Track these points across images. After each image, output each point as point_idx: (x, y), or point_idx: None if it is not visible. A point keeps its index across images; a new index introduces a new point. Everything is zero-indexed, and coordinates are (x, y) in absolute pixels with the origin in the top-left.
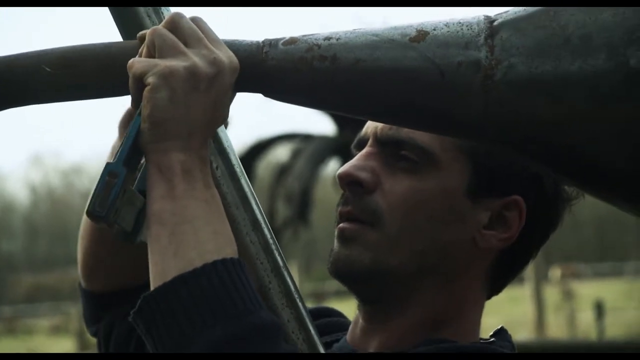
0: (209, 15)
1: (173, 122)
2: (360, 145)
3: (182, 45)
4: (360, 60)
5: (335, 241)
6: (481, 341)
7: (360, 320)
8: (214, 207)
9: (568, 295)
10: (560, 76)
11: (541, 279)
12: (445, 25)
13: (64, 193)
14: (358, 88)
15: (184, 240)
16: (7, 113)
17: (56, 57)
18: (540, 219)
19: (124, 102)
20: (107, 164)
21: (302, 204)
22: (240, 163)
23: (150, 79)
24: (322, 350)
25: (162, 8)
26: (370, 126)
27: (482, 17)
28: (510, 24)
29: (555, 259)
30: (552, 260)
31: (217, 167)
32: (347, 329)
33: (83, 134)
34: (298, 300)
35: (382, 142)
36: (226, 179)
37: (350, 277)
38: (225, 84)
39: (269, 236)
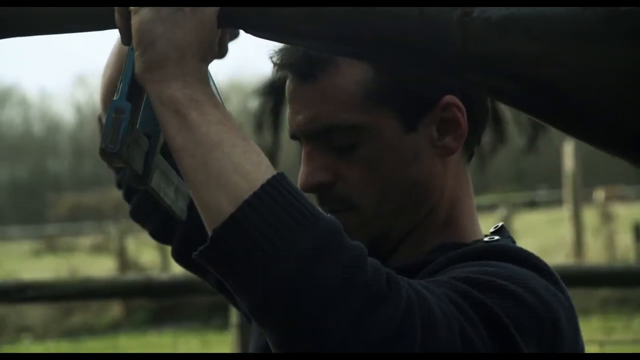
0: None
1: (161, 43)
2: (293, 137)
3: None
4: None
5: None
6: (486, 239)
7: None
8: (230, 126)
9: (607, 218)
10: (537, 13)
11: (580, 201)
12: None
13: None
14: (338, 26)
15: (221, 168)
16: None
17: None
18: (473, 94)
19: None
20: (112, 101)
21: None
22: (218, 89)
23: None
24: None
25: None
26: (294, 124)
27: None
28: None
29: (597, 182)
30: (592, 182)
31: None
32: None
33: None
34: None
35: (310, 137)
36: None
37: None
38: (210, 7)
39: None
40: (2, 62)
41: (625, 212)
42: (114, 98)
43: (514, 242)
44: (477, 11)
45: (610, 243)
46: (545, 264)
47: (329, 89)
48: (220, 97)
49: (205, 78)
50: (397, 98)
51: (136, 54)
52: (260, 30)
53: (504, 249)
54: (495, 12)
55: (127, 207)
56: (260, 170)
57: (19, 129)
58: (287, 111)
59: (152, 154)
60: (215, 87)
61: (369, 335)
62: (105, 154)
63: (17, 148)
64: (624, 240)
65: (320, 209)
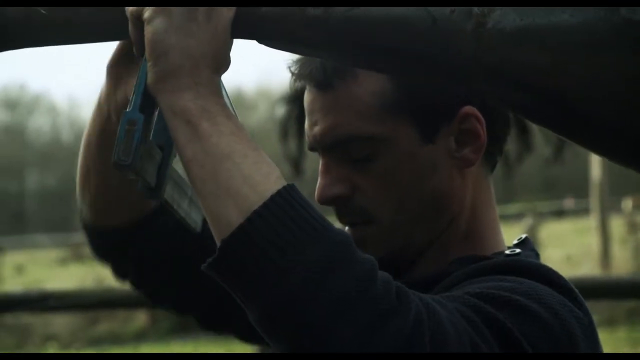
0: None
1: (175, 53)
2: (312, 149)
3: None
4: (353, 8)
5: None
6: (507, 252)
7: None
8: (242, 136)
9: (634, 227)
10: (552, 24)
11: (607, 210)
12: None
13: None
14: (350, 35)
15: (230, 178)
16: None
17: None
18: (492, 107)
19: None
20: (125, 113)
21: None
22: (231, 100)
23: (146, 14)
24: None
25: None
26: (311, 136)
27: None
28: None
29: (625, 191)
30: (620, 192)
31: None
32: None
33: None
34: None
35: (327, 148)
36: None
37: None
38: (223, 17)
39: None
40: (32, 70)
41: None
42: (127, 110)
43: (537, 254)
44: (491, 22)
45: (637, 253)
46: (564, 280)
47: (347, 99)
48: (233, 109)
49: (218, 89)
50: (415, 109)
51: (149, 64)
52: (272, 41)
53: (522, 264)
54: (510, 23)
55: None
56: (270, 181)
57: (47, 136)
58: (305, 122)
59: (165, 165)
60: (228, 99)
61: (377, 348)
62: (118, 166)
63: (45, 156)
64: None
65: (338, 222)
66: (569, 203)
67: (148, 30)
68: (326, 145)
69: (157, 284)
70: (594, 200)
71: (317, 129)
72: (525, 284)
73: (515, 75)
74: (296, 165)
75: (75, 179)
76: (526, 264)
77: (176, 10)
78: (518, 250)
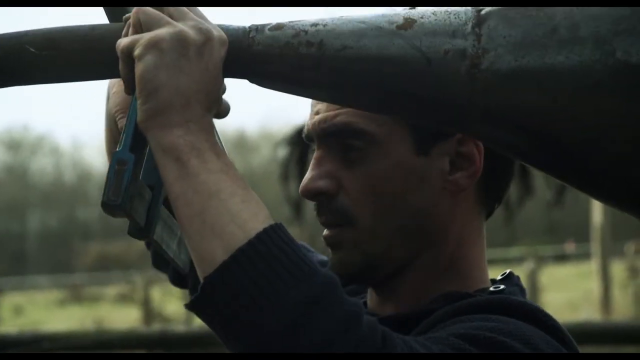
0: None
1: (165, 90)
2: (309, 139)
3: (167, 18)
4: (347, 47)
5: (328, 249)
6: (491, 289)
7: (372, 292)
8: (231, 174)
9: (635, 272)
10: (547, 66)
11: (608, 255)
12: (433, 14)
13: None
14: (344, 75)
15: (217, 216)
16: (85, 82)
17: (40, 37)
18: None
19: None
20: (114, 153)
21: None
22: (221, 142)
23: (137, 51)
24: None
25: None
26: (310, 124)
27: (469, 7)
28: (497, 13)
29: (628, 235)
30: (623, 236)
31: None
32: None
33: None
34: None
35: (324, 138)
36: None
37: (350, 278)
38: (215, 54)
39: None
40: (35, 111)
41: None
42: (117, 149)
43: (522, 289)
44: (485, 63)
45: (638, 298)
46: (550, 318)
47: None
48: (222, 147)
49: (208, 126)
50: None
51: (139, 102)
52: (264, 80)
53: (507, 302)
54: (504, 64)
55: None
56: (257, 220)
57: (50, 177)
58: (310, 112)
59: (154, 205)
60: (218, 137)
61: None
62: (107, 206)
63: (48, 196)
64: None
65: (318, 220)
66: (570, 247)
67: (139, 68)
68: (323, 132)
69: None
70: (595, 245)
71: (318, 117)
72: (511, 324)
73: (510, 117)
74: (297, 207)
75: (76, 221)
76: (511, 302)
77: (167, 47)
78: (502, 287)
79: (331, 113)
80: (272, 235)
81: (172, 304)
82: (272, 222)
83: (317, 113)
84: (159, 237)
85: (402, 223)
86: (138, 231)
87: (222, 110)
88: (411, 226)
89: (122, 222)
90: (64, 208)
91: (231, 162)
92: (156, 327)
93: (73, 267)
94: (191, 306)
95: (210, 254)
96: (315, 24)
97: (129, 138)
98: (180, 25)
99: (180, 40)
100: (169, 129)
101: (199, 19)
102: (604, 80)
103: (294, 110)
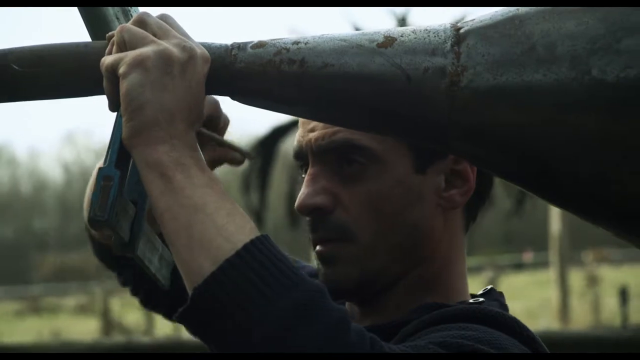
0: (177, 16)
1: (150, 108)
2: (299, 157)
3: (151, 36)
4: (328, 65)
5: (319, 264)
6: (471, 301)
7: (353, 305)
8: (216, 189)
9: (593, 281)
10: (525, 84)
11: (566, 263)
12: (412, 32)
13: None
14: (326, 92)
15: (204, 230)
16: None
17: (25, 55)
18: None
19: None
20: (100, 169)
21: None
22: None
23: (121, 69)
24: None
25: (131, 8)
26: (304, 142)
27: (448, 25)
28: (476, 31)
29: (586, 244)
30: (581, 245)
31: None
32: None
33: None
34: None
35: (320, 154)
36: None
37: (345, 293)
38: (198, 71)
39: None
40: None
41: (611, 275)
42: (102, 166)
43: (501, 304)
44: (464, 81)
45: (595, 306)
46: (526, 329)
47: None
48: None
49: (193, 142)
50: None
51: (124, 119)
52: (246, 97)
53: (484, 313)
54: (483, 82)
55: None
56: (244, 232)
57: (6, 187)
58: (297, 131)
59: (138, 221)
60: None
61: None
62: (94, 222)
63: (3, 207)
64: (610, 303)
65: (310, 235)
66: (528, 256)
67: (123, 86)
68: (321, 149)
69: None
70: (553, 254)
71: (316, 133)
72: (488, 333)
73: (489, 134)
74: (258, 217)
75: (32, 232)
76: (489, 312)
77: (152, 65)
78: (481, 299)
79: (330, 130)
80: (259, 246)
81: (132, 314)
82: (258, 233)
83: (312, 130)
84: (141, 253)
85: (401, 239)
86: (122, 247)
87: (223, 124)
88: (408, 242)
89: (80, 233)
90: (20, 219)
91: (216, 177)
92: (119, 338)
93: (30, 279)
94: (180, 317)
95: (198, 266)
96: (296, 42)
97: (114, 154)
98: (164, 44)
99: (164, 58)
100: (154, 145)
101: (182, 37)
102: (581, 99)
103: (252, 123)
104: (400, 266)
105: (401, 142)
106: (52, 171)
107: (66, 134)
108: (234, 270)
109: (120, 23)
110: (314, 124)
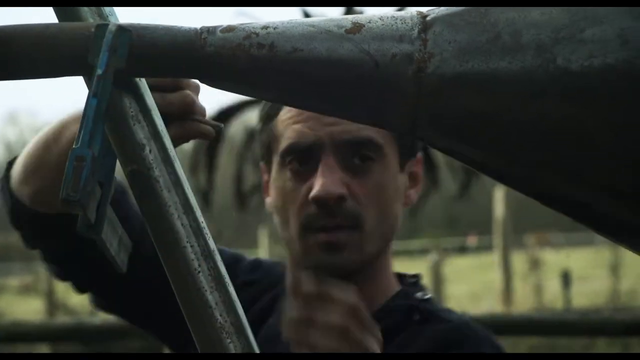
0: (149, 13)
1: None
2: (307, 149)
3: None
4: (298, 50)
5: (315, 251)
6: (418, 295)
7: None
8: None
9: (535, 264)
10: (491, 70)
11: (509, 247)
12: (380, 19)
13: None
14: (295, 77)
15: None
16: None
17: None
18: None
19: None
20: (72, 150)
21: None
22: (173, 147)
23: None
24: (249, 333)
25: (106, 8)
26: (321, 133)
27: (415, 12)
28: (442, 19)
29: (529, 228)
30: (525, 229)
31: (150, 151)
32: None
33: (58, 93)
34: (227, 284)
35: (339, 147)
36: (159, 163)
37: (340, 276)
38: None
39: (200, 220)
40: None
41: (554, 259)
42: (74, 146)
43: (422, 289)
44: (431, 67)
45: (538, 289)
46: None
47: None
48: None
49: None
50: (400, 137)
51: None
52: (216, 81)
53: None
54: (449, 68)
55: None
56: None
57: None
58: (297, 126)
59: (104, 203)
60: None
61: None
62: (66, 202)
63: None
64: (552, 286)
65: (320, 221)
66: (472, 239)
67: None
68: (343, 142)
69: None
70: (496, 237)
71: (336, 127)
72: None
73: (456, 121)
74: (204, 197)
75: None
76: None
77: None
78: (428, 296)
79: (355, 127)
80: None
81: (77, 295)
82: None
83: (331, 124)
84: (104, 235)
85: (386, 229)
86: (88, 228)
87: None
88: (390, 231)
89: None
90: None
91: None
92: (65, 319)
93: None
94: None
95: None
96: (266, 27)
97: (86, 135)
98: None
99: None
100: None
101: None
102: (546, 87)
103: (202, 101)
104: (379, 252)
105: (393, 139)
106: None
107: (8, 114)
108: None
109: (95, 23)
110: (332, 118)
